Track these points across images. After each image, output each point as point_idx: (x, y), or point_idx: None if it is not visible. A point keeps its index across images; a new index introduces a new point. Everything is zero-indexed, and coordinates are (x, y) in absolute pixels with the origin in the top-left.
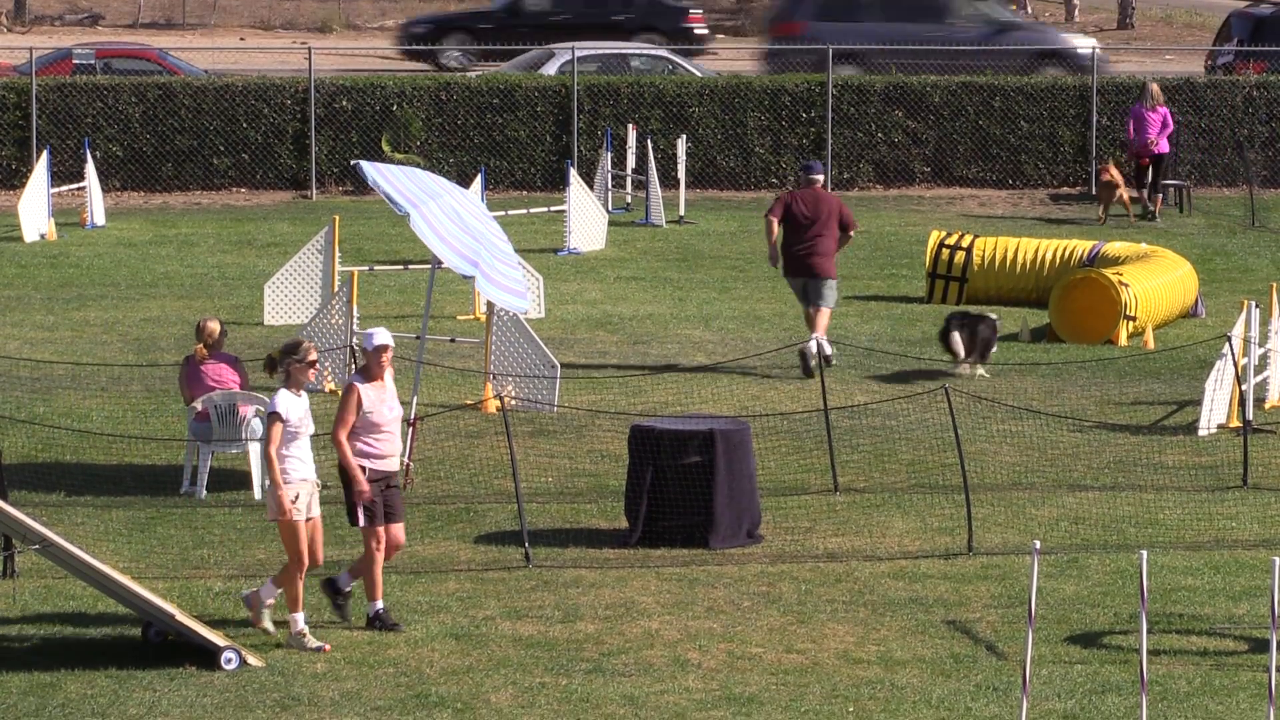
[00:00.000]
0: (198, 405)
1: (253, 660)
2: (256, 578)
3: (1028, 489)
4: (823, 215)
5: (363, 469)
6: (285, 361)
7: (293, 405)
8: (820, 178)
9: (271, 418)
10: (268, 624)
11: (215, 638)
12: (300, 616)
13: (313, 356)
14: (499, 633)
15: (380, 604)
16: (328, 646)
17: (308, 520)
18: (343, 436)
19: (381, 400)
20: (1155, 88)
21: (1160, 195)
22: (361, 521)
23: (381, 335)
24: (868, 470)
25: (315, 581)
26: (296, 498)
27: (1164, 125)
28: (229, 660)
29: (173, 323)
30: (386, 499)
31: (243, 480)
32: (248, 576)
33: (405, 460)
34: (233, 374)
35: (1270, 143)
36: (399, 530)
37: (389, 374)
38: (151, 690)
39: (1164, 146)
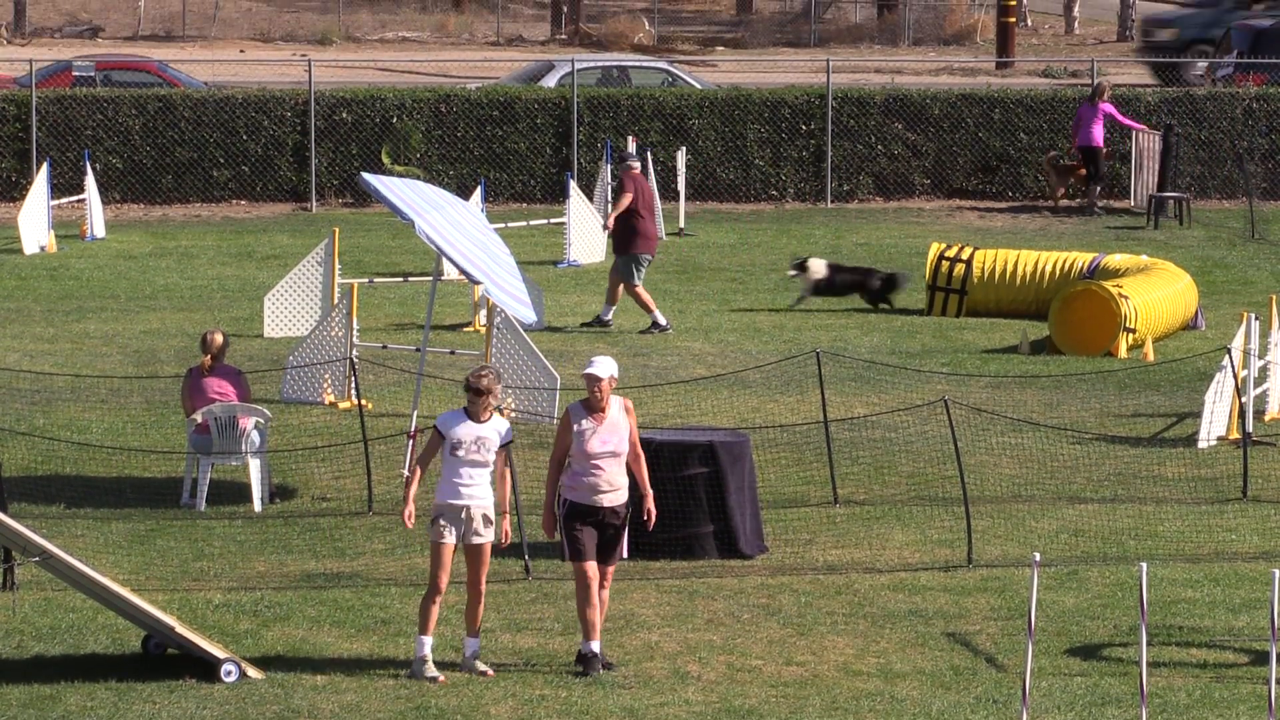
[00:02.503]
0: (198, 417)
1: (252, 673)
2: (256, 589)
3: (1027, 501)
4: (653, 198)
5: (566, 501)
6: (469, 389)
7: (460, 427)
8: (638, 165)
9: (432, 430)
10: (482, 666)
11: (215, 650)
12: (427, 640)
13: (492, 400)
14: (499, 645)
15: (594, 644)
16: (443, 678)
17: (466, 546)
18: (552, 464)
19: (594, 431)
20: (1102, 83)
21: (1098, 188)
22: (566, 555)
23: (595, 365)
24: (867, 482)
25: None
26: (437, 519)
27: (1103, 119)
28: (229, 673)
29: (172, 335)
30: (600, 537)
31: (242, 493)
32: (248, 589)
33: (403, 472)
34: (233, 387)
35: (1270, 155)
36: (605, 572)
37: (616, 405)
38: (151, 703)
39: (1098, 140)
